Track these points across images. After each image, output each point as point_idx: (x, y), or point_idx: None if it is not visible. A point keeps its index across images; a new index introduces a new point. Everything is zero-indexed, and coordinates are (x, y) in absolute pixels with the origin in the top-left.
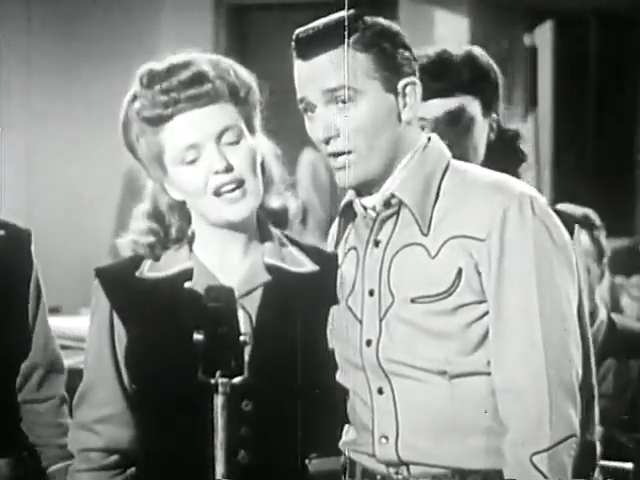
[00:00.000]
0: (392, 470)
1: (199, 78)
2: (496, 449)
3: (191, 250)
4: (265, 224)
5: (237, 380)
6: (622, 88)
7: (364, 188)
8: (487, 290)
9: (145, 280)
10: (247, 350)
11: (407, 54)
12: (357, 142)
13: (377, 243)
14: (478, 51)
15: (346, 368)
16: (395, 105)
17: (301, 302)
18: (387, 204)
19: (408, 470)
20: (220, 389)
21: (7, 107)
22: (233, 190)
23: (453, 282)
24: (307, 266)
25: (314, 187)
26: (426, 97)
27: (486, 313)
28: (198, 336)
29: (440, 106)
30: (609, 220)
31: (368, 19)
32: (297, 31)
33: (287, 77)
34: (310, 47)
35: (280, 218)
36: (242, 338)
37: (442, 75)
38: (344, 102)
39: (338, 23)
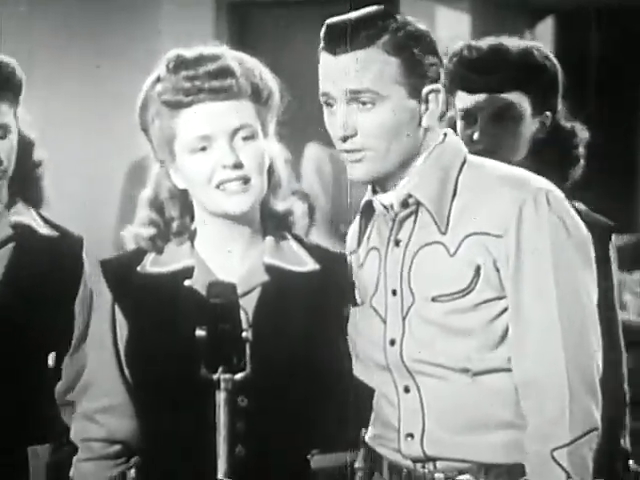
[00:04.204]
0: (418, 465)
1: (225, 72)
2: (520, 443)
3: (193, 246)
4: (269, 224)
5: (239, 376)
6: (623, 86)
7: (377, 184)
8: (506, 286)
9: (147, 275)
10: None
11: (434, 59)
12: (374, 143)
13: (397, 242)
14: (535, 45)
15: (370, 367)
16: (417, 111)
17: (301, 301)
18: (405, 204)
19: (434, 465)
20: (222, 385)
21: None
22: (237, 185)
23: (472, 279)
24: (308, 265)
25: (318, 182)
26: (475, 90)
27: (506, 309)
28: (200, 332)
29: (487, 101)
30: (611, 217)
31: (400, 18)
32: (328, 21)
33: (289, 73)
34: (339, 42)
35: (285, 221)
36: (244, 334)
37: (493, 70)
38: (364, 104)
39: (370, 19)
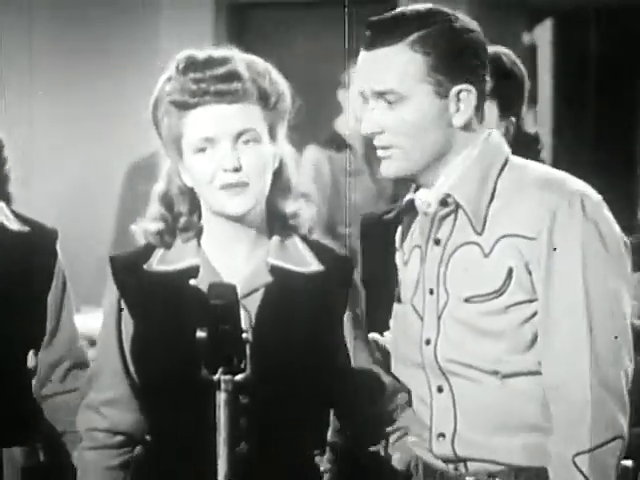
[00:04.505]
0: (451, 466)
1: (232, 76)
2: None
3: (199, 245)
4: (275, 225)
5: (239, 377)
6: (622, 87)
7: (411, 181)
8: (537, 290)
9: (153, 273)
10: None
11: (474, 60)
12: (400, 141)
13: (437, 241)
14: (503, 51)
15: (408, 366)
16: (446, 109)
17: (304, 302)
18: (444, 203)
19: (466, 466)
20: (222, 386)
21: (7, 106)
22: (237, 187)
23: (504, 281)
24: (313, 266)
25: (316, 185)
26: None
27: (537, 312)
28: (201, 333)
29: None
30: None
31: (446, 17)
32: (369, 18)
33: (287, 75)
34: (371, 39)
35: (292, 223)
36: (244, 336)
37: None
38: (389, 102)
39: (404, 16)
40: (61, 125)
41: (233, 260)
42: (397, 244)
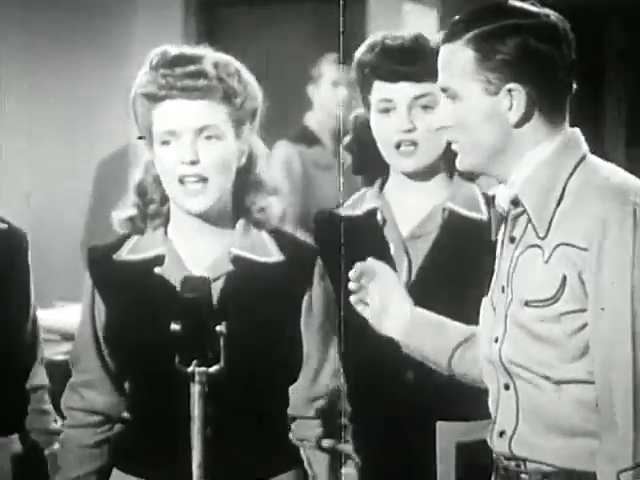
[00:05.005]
0: (513, 463)
1: (199, 73)
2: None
3: (166, 234)
4: (243, 218)
5: (213, 369)
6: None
7: (482, 175)
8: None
9: (122, 262)
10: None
11: (528, 59)
12: (460, 136)
13: (512, 239)
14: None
15: (485, 359)
16: (498, 106)
17: (264, 291)
18: (515, 202)
19: (525, 465)
20: (197, 378)
21: None
22: (195, 182)
23: (558, 289)
24: (275, 256)
25: (286, 179)
26: (395, 79)
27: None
28: (175, 326)
29: (408, 89)
30: None
31: (525, 8)
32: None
33: (257, 71)
34: (444, 35)
35: (260, 217)
36: (218, 328)
37: (414, 59)
38: (450, 97)
39: (474, 13)
40: (31, 123)
41: (197, 249)
42: (492, 236)
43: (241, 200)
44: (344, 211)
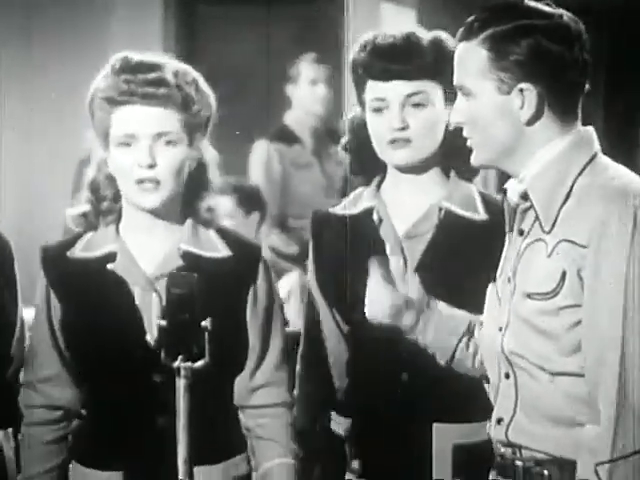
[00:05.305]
0: (509, 450)
1: (159, 82)
2: None
3: (117, 231)
4: (191, 217)
5: (199, 364)
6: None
7: (495, 169)
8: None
9: (75, 260)
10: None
11: (540, 58)
12: (476, 133)
13: (521, 232)
14: (445, 36)
15: (487, 345)
16: (510, 105)
17: (212, 285)
18: (524, 197)
19: (520, 452)
20: (182, 373)
21: None
22: (150, 183)
23: (558, 283)
24: (222, 252)
25: (266, 178)
26: (387, 78)
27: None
28: (161, 322)
29: (401, 87)
30: None
31: (527, 14)
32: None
33: (237, 70)
34: (460, 33)
35: (207, 216)
36: (203, 324)
37: (405, 57)
38: (464, 95)
39: (488, 12)
40: (11, 121)
41: (149, 246)
42: (506, 227)
43: (191, 200)
44: (340, 210)
